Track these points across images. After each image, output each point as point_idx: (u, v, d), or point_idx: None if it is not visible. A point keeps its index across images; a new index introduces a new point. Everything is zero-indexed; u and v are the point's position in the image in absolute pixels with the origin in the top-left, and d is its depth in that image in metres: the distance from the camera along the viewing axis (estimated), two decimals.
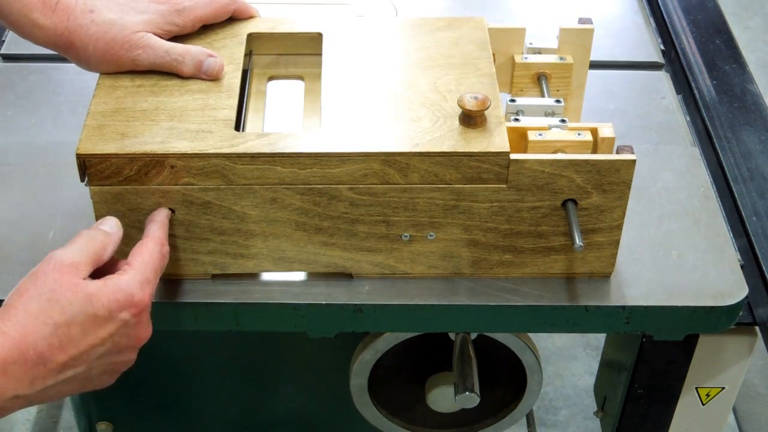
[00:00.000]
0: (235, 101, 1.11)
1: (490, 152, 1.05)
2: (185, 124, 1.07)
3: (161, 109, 1.09)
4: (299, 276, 1.15)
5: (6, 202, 1.24)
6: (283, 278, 1.15)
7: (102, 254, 0.97)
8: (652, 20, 1.61)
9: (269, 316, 1.14)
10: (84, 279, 0.93)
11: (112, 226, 1.01)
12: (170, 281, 1.13)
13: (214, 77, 1.13)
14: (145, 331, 0.97)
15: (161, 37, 1.13)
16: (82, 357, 0.92)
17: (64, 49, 1.11)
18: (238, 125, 1.09)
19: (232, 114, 1.09)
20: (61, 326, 0.90)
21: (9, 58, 1.49)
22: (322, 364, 1.45)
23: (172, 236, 1.09)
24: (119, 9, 1.12)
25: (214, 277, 1.14)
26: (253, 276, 1.15)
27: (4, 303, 0.91)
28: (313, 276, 1.15)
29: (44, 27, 1.09)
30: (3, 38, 1.52)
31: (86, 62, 1.12)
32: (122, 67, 1.12)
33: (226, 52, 1.17)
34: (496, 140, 1.06)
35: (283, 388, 1.48)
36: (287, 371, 1.46)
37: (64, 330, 0.90)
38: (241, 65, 1.16)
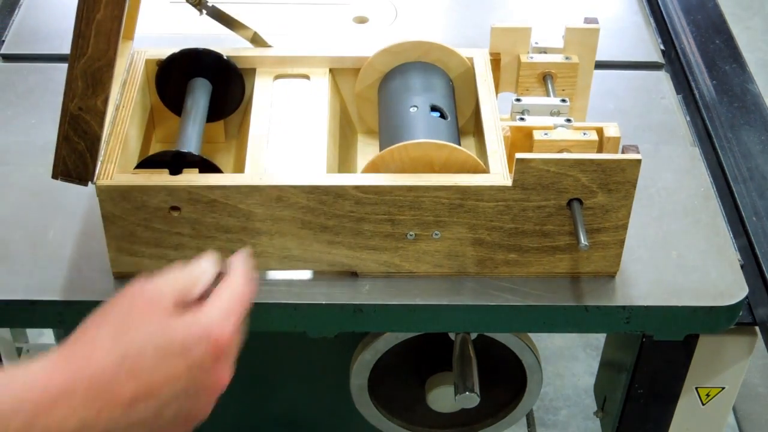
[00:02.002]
0: None
1: None
2: None
3: None
4: (299, 275, 1.15)
5: (6, 202, 1.24)
6: (284, 278, 1.15)
7: (191, 290, 0.90)
8: (652, 20, 1.62)
9: (269, 316, 1.14)
10: (165, 308, 0.87)
11: (208, 264, 0.93)
12: None
13: None
14: (224, 375, 0.88)
15: None
16: (154, 392, 0.84)
17: None
18: None
19: None
20: (130, 356, 0.83)
21: (9, 58, 1.49)
22: (322, 364, 1.45)
23: (177, 234, 1.09)
24: None
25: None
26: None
27: (77, 331, 0.86)
28: (313, 275, 1.15)
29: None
30: (3, 38, 1.52)
31: None
32: None
33: None
34: None
35: (283, 388, 1.48)
36: (287, 371, 1.46)
37: (132, 360, 0.83)
38: None
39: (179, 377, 0.84)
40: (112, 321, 0.85)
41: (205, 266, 0.93)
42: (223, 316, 0.88)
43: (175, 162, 1.09)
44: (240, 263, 0.95)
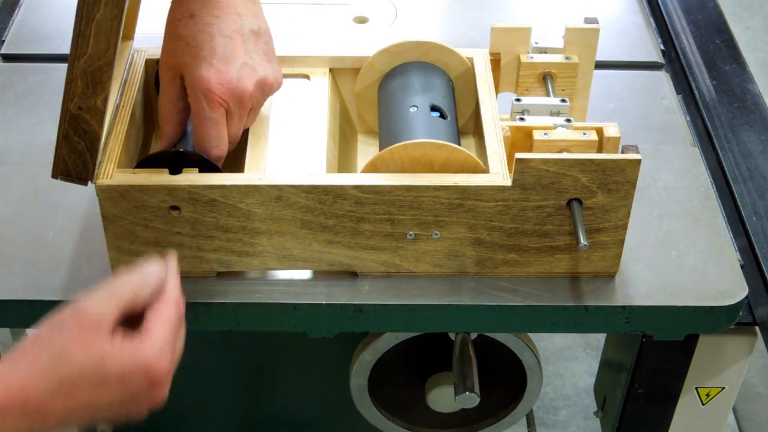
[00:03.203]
0: None
1: None
2: None
3: None
4: (299, 275, 1.15)
5: (6, 202, 1.24)
6: (284, 278, 1.15)
7: (135, 303, 0.92)
8: (652, 20, 1.62)
9: (269, 316, 1.14)
10: (105, 333, 0.89)
11: (152, 273, 0.95)
12: None
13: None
14: (160, 394, 0.91)
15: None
16: (86, 412, 0.88)
17: None
18: None
19: None
20: (66, 381, 0.86)
21: (9, 58, 1.49)
22: (322, 364, 1.45)
23: (177, 234, 1.09)
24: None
25: (219, 275, 1.13)
26: (254, 276, 1.15)
27: (20, 346, 0.88)
28: (313, 275, 1.15)
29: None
30: (3, 38, 1.52)
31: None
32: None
33: None
34: None
35: (283, 388, 1.48)
36: (287, 371, 1.46)
37: (68, 386, 0.86)
38: None
39: (113, 403, 0.88)
40: (51, 345, 0.87)
41: (147, 272, 0.94)
42: (161, 346, 0.90)
43: (175, 161, 1.09)
44: (172, 283, 0.96)
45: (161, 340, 0.90)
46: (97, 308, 0.90)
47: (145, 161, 1.10)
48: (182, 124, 1.14)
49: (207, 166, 1.09)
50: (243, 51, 1.11)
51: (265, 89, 1.14)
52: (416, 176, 1.08)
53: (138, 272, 0.95)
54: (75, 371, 0.86)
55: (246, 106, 1.12)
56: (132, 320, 0.92)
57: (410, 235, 1.11)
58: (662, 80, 1.48)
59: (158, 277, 0.95)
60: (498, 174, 1.09)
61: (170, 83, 1.12)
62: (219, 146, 1.10)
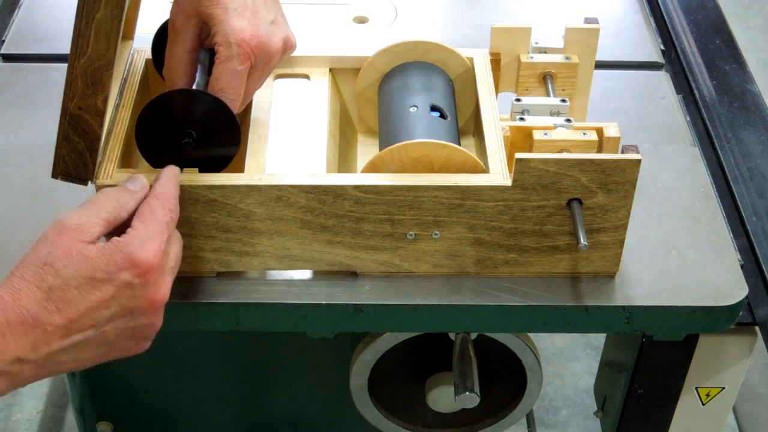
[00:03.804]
0: None
1: None
2: None
3: None
4: (299, 275, 1.15)
5: (6, 202, 1.24)
6: (284, 278, 1.15)
7: (119, 214, 0.95)
8: (652, 20, 1.62)
9: (269, 316, 1.14)
10: (89, 241, 0.91)
11: (136, 184, 0.99)
12: None
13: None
14: (157, 292, 0.94)
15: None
16: (84, 321, 0.89)
17: None
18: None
19: None
20: (56, 290, 0.88)
21: (9, 58, 1.49)
22: (322, 364, 1.45)
23: None
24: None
25: (219, 275, 1.13)
26: (253, 276, 1.15)
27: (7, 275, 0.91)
28: (313, 275, 1.15)
29: None
30: (3, 38, 1.52)
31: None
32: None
33: None
34: None
35: (283, 388, 1.48)
36: (287, 371, 1.46)
37: (59, 293, 0.88)
38: None
39: (108, 301, 0.90)
40: (35, 259, 0.89)
41: (131, 186, 0.97)
42: (143, 239, 0.92)
43: (184, 105, 1.06)
44: (157, 183, 0.99)
45: (143, 234, 0.93)
46: (78, 219, 0.92)
47: (154, 103, 1.07)
48: (193, 77, 1.12)
49: (221, 109, 1.07)
50: (265, 9, 1.11)
51: (287, 49, 1.14)
52: (416, 176, 1.08)
53: (122, 185, 0.98)
54: (60, 277, 0.88)
55: (271, 63, 1.12)
56: (120, 233, 0.94)
57: (410, 235, 1.11)
58: (662, 80, 1.48)
59: (144, 187, 0.98)
60: (498, 174, 1.09)
61: (188, 32, 1.10)
62: (234, 101, 1.08)
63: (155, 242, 0.93)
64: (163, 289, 0.95)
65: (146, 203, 0.97)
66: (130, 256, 0.91)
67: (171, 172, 1.03)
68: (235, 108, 1.08)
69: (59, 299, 0.88)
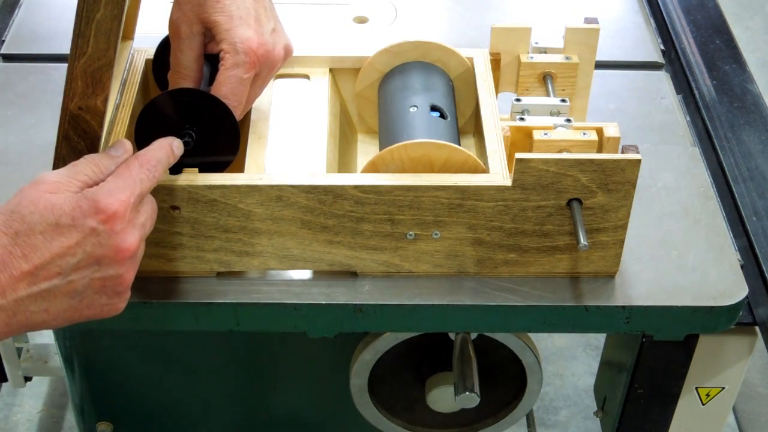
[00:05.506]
0: None
1: None
2: None
3: None
4: (299, 275, 1.15)
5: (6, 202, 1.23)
6: (283, 278, 1.15)
7: (98, 177, 0.95)
8: (652, 20, 1.62)
9: (269, 316, 1.14)
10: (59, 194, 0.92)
11: (118, 150, 0.99)
12: (170, 280, 1.13)
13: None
14: (124, 242, 0.93)
15: None
16: (50, 267, 0.90)
17: None
18: None
19: None
20: (21, 235, 0.88)
21: (9, 58, 1.49)
22: (322, 364, 1.45)
23: (177, 234, 1.09)
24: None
25: (219, 275, 1.13)
26: (253, 276, 1.15)
27: None
28: (313, 275, 1.15)
29: None
30: (3, 38, 1.52)
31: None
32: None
33: None
34: None
35: (283, 388, 1.48)
36: (287, 371, 1.46)
37: (24, 239, 0.88)
38: None
39: (73, 248, 0.91)
40: (6, 209, 0.90)
41: (114, 151, 0.98)
42: (110, 189, 0.93)
43: (186, 106, 1.07)
44: (154, 145, 1.00)
45: (112, 185, 0.93)
46: (56, 177, 0.93)
47: (154, 102, 1.08)
48: (200, 82, 1.13)
49: (215, 104, 1.07)
50: (265, 16, 1.12)
51: (287, 56, 1.15)
52: (416, 176, 1.08)
53: (106, 150, 0.98)
54: (26, 223, 0.89)
55: (273, 71, 1.12)
56: None
57: (410, 235, 1.11)
58: (662, 80, 1.48)
59: (127, 152, 0.98)
60: (498, 174, 1.09)
61: (193, 38, 1.10)
62: (237, 108, 1.09)
63: (123, 193, 0.93)
64: (130, 239, 0.94)
65: (124, 162, 0.98)
66: (96, 203, 0.91)
67: (164, 140, 1.03)
68: (237, 115, 1.09)
69: (25, 244, 0.89)
